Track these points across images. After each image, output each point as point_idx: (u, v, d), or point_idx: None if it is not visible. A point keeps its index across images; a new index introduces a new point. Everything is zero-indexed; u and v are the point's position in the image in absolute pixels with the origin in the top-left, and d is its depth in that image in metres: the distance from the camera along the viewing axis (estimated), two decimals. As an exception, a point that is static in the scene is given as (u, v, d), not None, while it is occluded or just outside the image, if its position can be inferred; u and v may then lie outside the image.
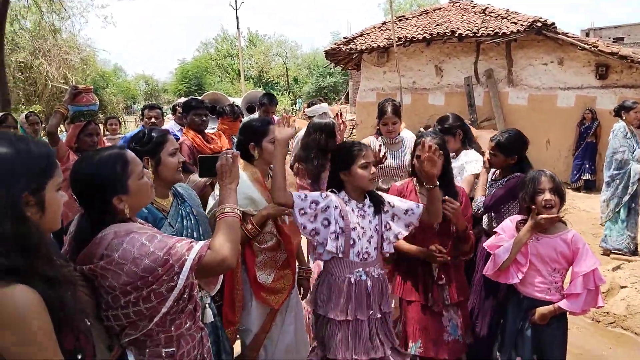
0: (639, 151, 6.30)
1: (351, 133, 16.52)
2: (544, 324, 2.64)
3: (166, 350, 1.83)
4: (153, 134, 2.40)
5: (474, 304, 3.28)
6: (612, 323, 4.69)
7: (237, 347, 3.11)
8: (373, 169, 2.55)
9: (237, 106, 5.69)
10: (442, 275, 2.92)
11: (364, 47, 13.48)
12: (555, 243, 2.62)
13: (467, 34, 11.53)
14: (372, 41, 13.40)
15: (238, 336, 2.99)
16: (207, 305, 2.52)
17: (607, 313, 4.76)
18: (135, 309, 1.69)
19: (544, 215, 2.60)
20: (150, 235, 1.71)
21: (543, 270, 2.65)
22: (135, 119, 26.66)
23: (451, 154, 3.51)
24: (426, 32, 12.32)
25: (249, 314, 2.91)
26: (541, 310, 2.63)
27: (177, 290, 1.71)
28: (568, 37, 10.70)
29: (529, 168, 3.20)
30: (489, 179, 3.48)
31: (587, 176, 10.22)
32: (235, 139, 2.95)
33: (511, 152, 3.24)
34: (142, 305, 1.69)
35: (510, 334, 2.76)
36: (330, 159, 2.69)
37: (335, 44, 14.21)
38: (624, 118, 6.17)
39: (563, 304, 2.58)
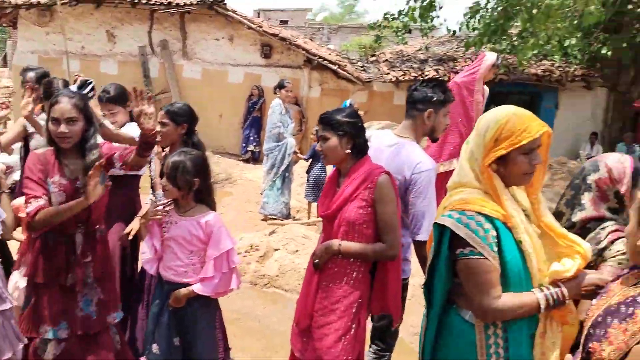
0: (292, 126, 7.13)
1: (9, 102, 14.15)
2: (180, 306, 2.65)
3: None
4: None
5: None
6: (267, 284, 5.19)
7: None
8: None
9: None
10: (88, 253, 2.63)
11: (20, 2, 11.59)
12: (191, 226, 2.64)
13: (140, 1, 11.08)
14: (32, -5, 11.63)
15: None
16: None
17: (263, 275, 5.24)
18: None
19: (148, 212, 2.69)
20: None
21: (180, 253, 2.65)
22: None
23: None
24: (94, -7, 11.33)
25: None
26: (176, 293, 2.63)
27: None
28: (237, 15, 11.30)
29: (199, 144, 3.22)
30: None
31: (252, 147, 11.14)
32: None
33: (181, 118, 3.19)
34: None
35: (151, 319, 2.71)
36: None
37: (-18, -7, 11.82)
38: (278, 95, 6.85)
39: (196, 287, 2.61)
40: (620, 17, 10.72)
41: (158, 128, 3.22)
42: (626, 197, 1.95)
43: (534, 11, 7.72)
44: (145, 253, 2.70)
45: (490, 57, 3.98)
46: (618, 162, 2.02)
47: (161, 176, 2.66)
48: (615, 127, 12.50)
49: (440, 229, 1.85)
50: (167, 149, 3.35)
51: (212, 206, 2.75)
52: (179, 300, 2.62)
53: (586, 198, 2.05)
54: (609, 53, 10.30)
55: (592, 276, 1.82)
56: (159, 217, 2.65)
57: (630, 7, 9.81)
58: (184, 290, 2.61)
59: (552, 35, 8.30)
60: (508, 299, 1.76)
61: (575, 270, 1.79)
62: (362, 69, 11.97)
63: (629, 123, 12.30)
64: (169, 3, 10.99)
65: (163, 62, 11.58)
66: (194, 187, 2.60)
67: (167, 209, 2.69)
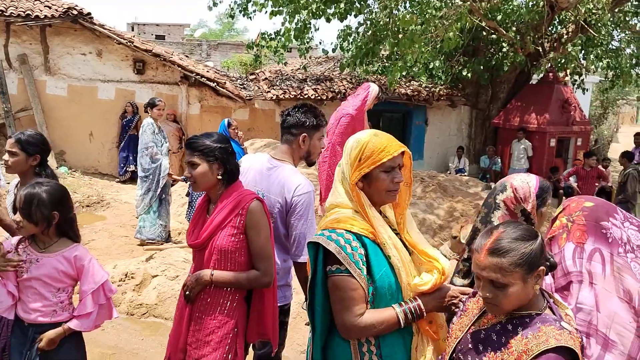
0: (166, 145, 6.84)
1: None
2: (54, 348, 2.42)
3: None
4: None
5: None
6: (145, 314, 4.89)
7: None
8: None
9: None
10: None
11: None
12: (57, 262, 2.41)
13: (-7, 11, 10.10)
14: None
15: None
16: None
17: (141, 304, 4.93)
18: None
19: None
20: None
21: (46, 292, 2.41)
22: None
23: None
24: (-62, 1, 10.13)
25: None
26: (48, 335, 2.39)
27: None
28: (105, 29, 10.71)
29: (53, 176, 2.97)
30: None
31: (132, 167, 10.58)
32: None
33: (33, 149, 2.95)
34: None
35: None
36: None
37: None
38: (150, 114, 6.54)
39: (73, 324, 2.42)
40: (477, 42, 11.84)
41: (6, 157, 2.94)
42: (533, 215, 2.09)
43: (400, 36, 8.23)
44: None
45: (374, 89, 4.55)
46: (523, 182, 2.16)
47: (14, 211, 2.40)
48: (478, 141, 13.70)
49: (315, 248, 1.88)
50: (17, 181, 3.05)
51: (75, 238, 2.53)
52: (52, 342, 2.39)
53: (496, 216, 2.18)
54: (469, 74, 11.31)
55: (449, 289, 1.93)
56: (12, 266, 2.36)
57: (484, 33, 10.84)
58: (57, 330, 2.39)
59: (417, 59, 8.89)
60: (369, 316, 1.81)
61: (432, 284, 1.88)
62: (242, 86, 11.93)
63: (490, 137, 13.53)
64: (27, 15, 10.12)
65: (23, 77, 10.63)
66: (54, 221, 2.37)
67: (20, 249, 2.40)
